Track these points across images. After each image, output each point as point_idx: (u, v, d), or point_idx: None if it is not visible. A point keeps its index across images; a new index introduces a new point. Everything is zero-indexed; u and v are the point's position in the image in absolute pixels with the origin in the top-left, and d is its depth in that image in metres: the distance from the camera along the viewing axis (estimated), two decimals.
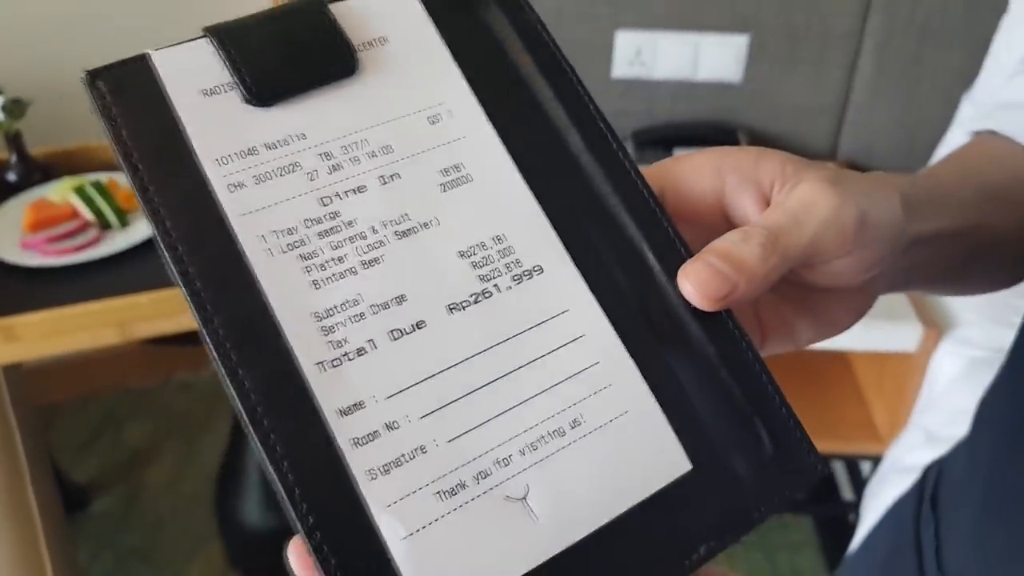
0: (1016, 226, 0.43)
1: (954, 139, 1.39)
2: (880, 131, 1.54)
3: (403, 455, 0.23)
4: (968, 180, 0.43)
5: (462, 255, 0.26)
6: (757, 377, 0.26)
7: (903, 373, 1.30)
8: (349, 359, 0.23)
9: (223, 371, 0.23)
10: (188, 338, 1.05)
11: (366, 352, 0.24)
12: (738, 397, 0.26)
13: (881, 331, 1.25)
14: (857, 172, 0.33)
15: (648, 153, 1.45)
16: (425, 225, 0.26)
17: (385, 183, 0.26)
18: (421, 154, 0.27)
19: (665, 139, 1.47)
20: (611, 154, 0.28)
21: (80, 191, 1.08)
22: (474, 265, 0.26)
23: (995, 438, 0.46)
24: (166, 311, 0.97)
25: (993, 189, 0.43)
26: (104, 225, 1.09)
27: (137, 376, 1.86)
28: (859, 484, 1.59)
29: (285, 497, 0.21)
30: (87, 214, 1.07)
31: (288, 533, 0.21)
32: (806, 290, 0.31)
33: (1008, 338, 1.33)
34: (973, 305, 1.26)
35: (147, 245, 1.09)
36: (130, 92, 0.25)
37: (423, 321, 0.24)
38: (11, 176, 1.18)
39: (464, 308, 0.25)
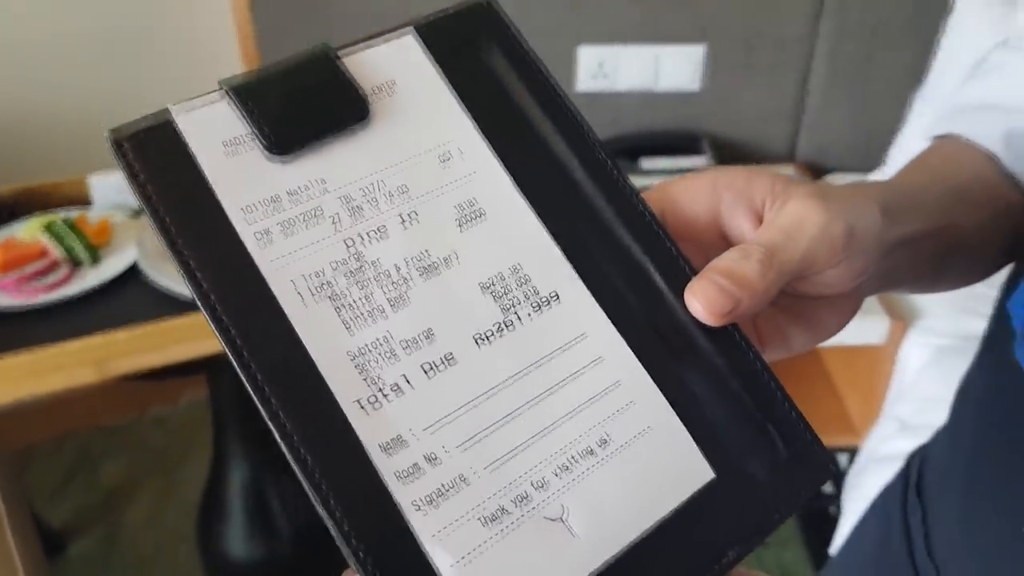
0: (981, 224, 0.45)
1: (910, 139, 1.44)
2: (836, 132, 1.59)
3: (445, 485, 0.24)
4: (935, 183, 0.45)
5: (483, 287, 0.27)
6: (766, 385, 0.28)
7: (873, 365, 1.34)
8: (386, 396, 0.24)
9: (264, 415, 0.23)
10: (160, 372, 1.04)
11: (401, 388, 0.24)
12: (750, 405, 0.27)
13: (850, 325, 1.28)
14: (838, 185, 0.34)
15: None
16: (446, 261, 0.27)
17: (404, 223, 0.27)
18: (436, 192, 0.28)
19: (631, 149, 1.50)
20: (612, 182, 0.29)
21: (49, 229, 1.07)
22: (495, 296, 0.27)
23: (975, 423, 0.48)
24: (145, 346, 0.96)
25: (958, 190, 0.45)
26: (75, 262, 1.07)
27: (110, 413, 1.83)
28: (838, 476, 1.62)
29: (338, 534, 0.22)
30: (57, 252, 1.06)
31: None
32: (799, 299, 0.32)
33: (970, 325, 1.38)
34: (936, 296, 1.30)
35: (120, 280, 1.08)
36: (154, 151, 0.25)
37: (452, 354, 0.25)
38: None
39: (489, 339, 0.26)
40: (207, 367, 1.19)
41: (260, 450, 1.35)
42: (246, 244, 0.25)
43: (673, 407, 0.27)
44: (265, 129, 0.26)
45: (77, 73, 1.45)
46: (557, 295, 0.27)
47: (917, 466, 0.57)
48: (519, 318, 0.27)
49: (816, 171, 1.59)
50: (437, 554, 0.23)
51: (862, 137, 1.58)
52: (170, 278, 1.06)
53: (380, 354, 0.25)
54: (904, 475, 0.58)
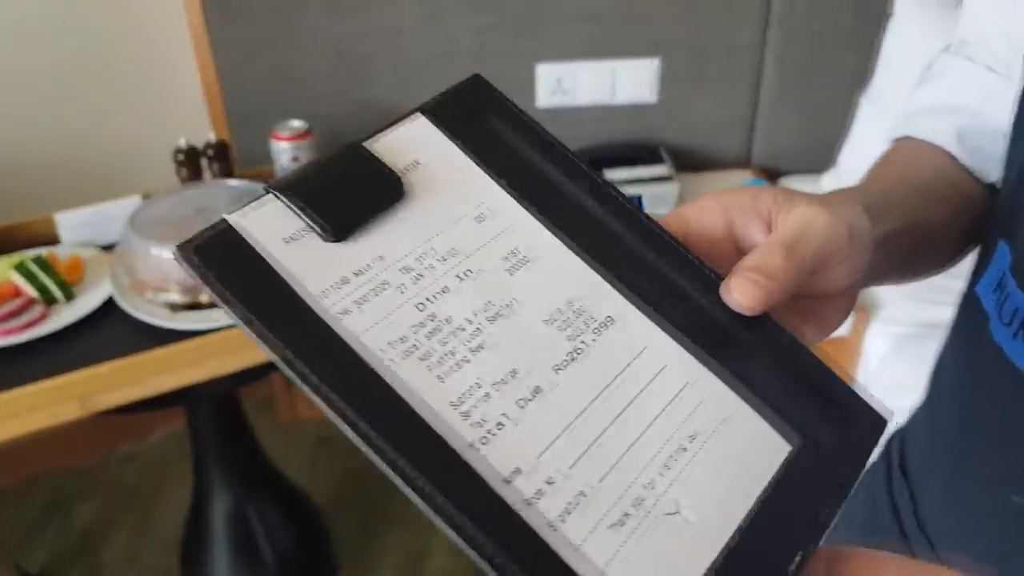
0: (945, 219, 0.49)
1: (861, 140, 1.50)
2: (788, 136, 1.64)
3: (570, 503, 0.26)
4: (901, 183, 0.49)
5: (547, 323, 0.29)
6: (807, 359, 0.31)
7: (839, 357, 1.39)
8: (493, 434, 0.26)
9: (392, 475, 0.25)
10: (136, 406, 1.03)
11: (504, 424, 0.26)
12: (799, 378, 0.30)
13: None
14: (830, 193, 0.38)
15: None
16: (508, 306, 0.29)
17: (462, 280, 0.29)
18: (481, 249, 0.30)
19: (593, 161, 1.53)
20: (627, 211, 0.33)
21: (21, 268, 1.06)
22: (559, 328, 0.29)
23: (956, 402, 0.51)
24: (128, 379, 0.96)
25: (923, 188, 0.49)
26: (49, 300, 1.06)
27: (79, 453, 1.79)
28: None
29: (491, 567, 0.24)
30: (30, 291, 1.05)
31: None
32: (807, 299, 0.36)
33: (929, 313, 1.45)
34: (894, 287, 1.36)
35: (96, 316, 1.07)
36: (224, 256, 0.27)
37: (539, 387, 0.28)
38: None
39: (567, 367, 0.28)
40: (185, 397, 1.18)
41: (242, 478, 1.34)
42: (331, 325, 0.27)
43: (738, 395, 0.29)
44: (319, 221, 0.28)
45: (38, 111, 1.44)
46: (611, 318, 0.30)
47: (898, 447, 0.60)
48: (585, 343, 0.29)
49: (771, 174, 1.64)
50: (583, 566, 0.25)
51: (813, 140, 1.64)
52: (146, 311, 1.06)
53: (477, 398, 0.27)
54: (886, 456, 0.61)
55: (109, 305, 1.09)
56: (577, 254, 0.31)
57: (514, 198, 0.32)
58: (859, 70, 1.52)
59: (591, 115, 1.57)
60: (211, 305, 1.07)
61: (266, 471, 1.40)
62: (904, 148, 0.55)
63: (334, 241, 0.28)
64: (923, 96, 0.57)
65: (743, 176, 1.60)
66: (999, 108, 0.49)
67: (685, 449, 0.28)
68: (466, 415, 0.26)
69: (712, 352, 0.30)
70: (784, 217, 0.34)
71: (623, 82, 1.54)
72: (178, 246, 0.27)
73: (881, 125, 1.61)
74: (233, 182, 1.23)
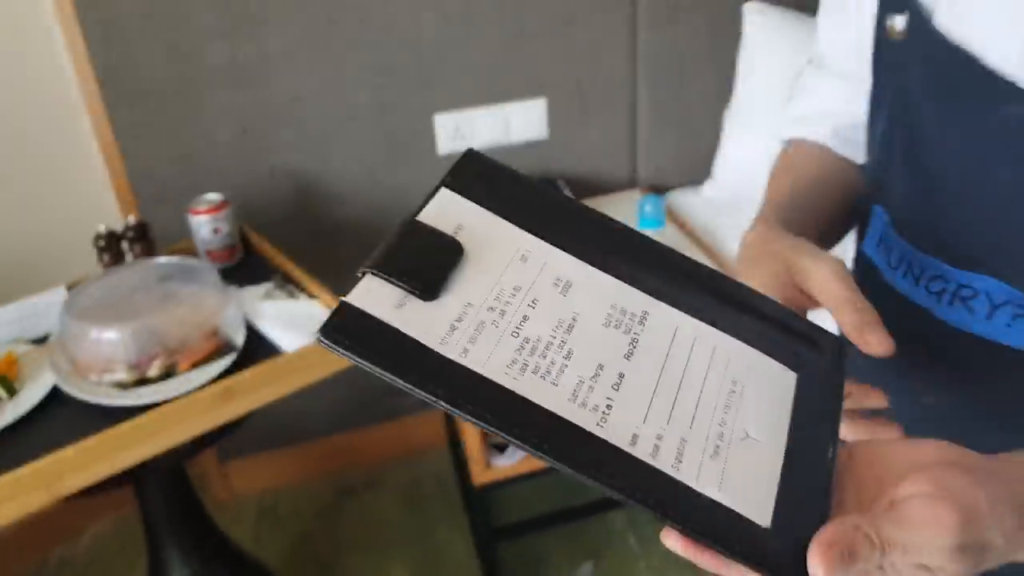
0: (837, 200, 0.64)
1: (731, 150, 1.67)
2: (666, 155, 1.81)
3: (679, 449, 0.35)
4: (802, 184, 0.63)
5: (605, 325, 0.39)
6: (785, 312, 0.44)
7: None
8: (606, 415, 0.35)
9: (554, 464, 0.33)
10: (80, 494, 1.01)
11: (612, 405, 0.36)
12: (780, 324, 0.43)
13: None
14: (797, 240, 0.51)
15: None
16: (574, 319, 0.38)
17: (533, 307, 0.38)
18: (536, 282, 0.39)
19: None
20: (615, 226, 0.43)
21: None
22: (615, 327, 0.39)
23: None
24: (95, 457, 0.96)
25: (819, 182, 0.64)
26: None
27: (9, 568, 1.71)
28: None
29: (651, 510, 0.33)
30: None
31: None
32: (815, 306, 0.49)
33: None
34: None
35: (41, 408, 1.07)
36: (355, 332, 0.34)
37: (622, 373, 0.37)
38: None
39: (632, 354, 0.38)
40: (134, 476, 1.17)
41: (198, 552, 1.33)
42: (459, 362, 0.35)
43: (751, 347, 0.41)
44: (417, 287, 0.36)
45: None
46: (647, 312, 0.40)
47: None
48: (637, 335, 0.39)
49: (657, 191, 1.79)
50: (707, 489, 0.35)
51: (689, 155, 1.80)
52: (95, 392, 1.07)
53: (585, 391, 0.36)
54: None
55: (53, 395, 1.09)
56: (601, 269, 0.41)
57: (539, 238, 0.41)
58: (721, 89, 1.70)
59: (490, 155, 1.67)
60: (161, 378, 1.09)
61: (221, 543, 1.40)
62: (794, 151, 0.68)
63: (430, 299, 0.36)
64: (798, 106, 0.71)
65: (634, 196, 1.74)
66: (858, 106, 0.63)
67: (733, 391, 0.39)
68: (583, 405, 0.35)
69: (717, 322, 0.41)
70: (813, 278, 0.47)
71: (516, 122, 1.66)
72: (320, 334, 0.34)
73: (746, 136, 1.82)
74: (161, 259, 1.25)
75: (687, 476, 0.35)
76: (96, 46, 1.42)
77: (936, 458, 0.37)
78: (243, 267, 1.36)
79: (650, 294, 0.40)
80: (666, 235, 1.58)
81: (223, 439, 1.18)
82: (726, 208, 1.63)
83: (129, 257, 1.34)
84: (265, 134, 1.56)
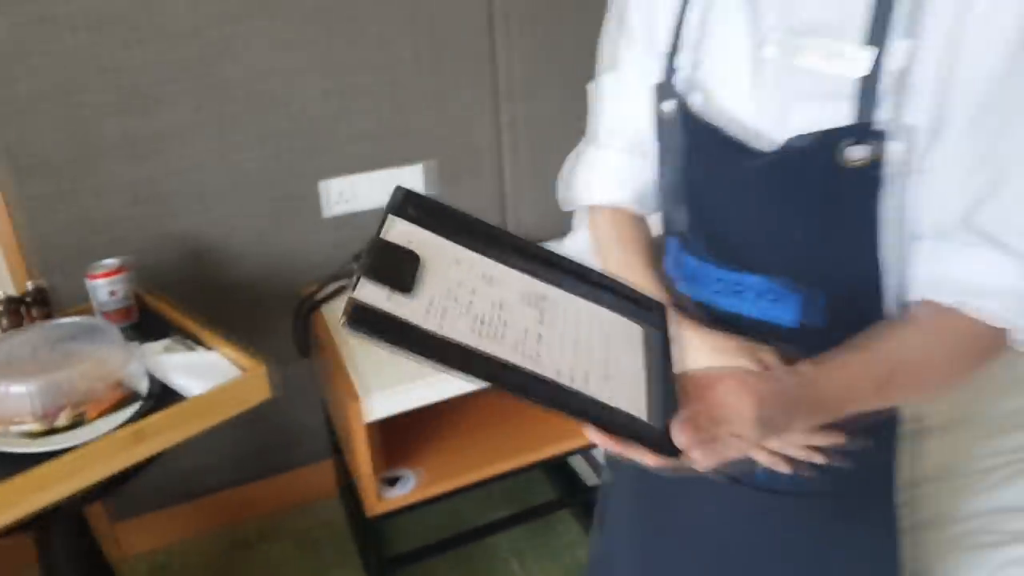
0: (651, 252, 0.85)
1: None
2: (533, 213, 2.02)
3: (585, 376, 0.53)
4: (628, 250, 0.84)
5: (522, 304, 0.56)
6: (617, 283, 0.61)
7: None
8: (537, 358, 0.52)
9: (511, 393, 0.49)
10: None
11: (539, 352, 0.53)
12: (625, 294, 0.61)
13: None
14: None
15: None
16: (501, 301, 0.54)
17: (473, 294, 0.54)
18: (470, 277, 0.55)
19: None
20: (518, 240, 0.60)
21: None
22: (529, 304, 0.56)
23: None
24: (9, 501, 1.03)
25: (636, 240, 0.85)
26: None
27: None
28: (567, 479, 1.99)
29: (581, 419, 0.51)
30: None
31: None
32: None
33: None
34: None
35: None
36: (368, 320, 0.48)
37: (540, 333, 0.54)
38: None
39: (542, 321, 0.55)
40: (39, 523, 1.21)
41: None
42: (438, 333, 0.50)
43: (611, 312, 0.59)
44: (398, 286, 0.51)
45: None
46: (545, 294, 0.57)
47: None
48: (542, 308, 0.56)
49: (522, 239, 2.00)
50: (607, 399, 0.52)
51: (551, 212, 2.01)
52: (4, 443, 1.13)
53: (520, 345, 0.52)
54: None
55: None
56: (509, 267, 0.58)
57: (468, 249, 0.57)
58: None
59: (375, 217, 1.82)
60: (71, 427, 1.16)
61: None
62: (609, 219, 0.89)
63: (408, 295, 0.51)
64: (589, 176, 0.93)
65: None
66: (641, 171, 0.85)
67: (607, 339, 0.57)
68: (523, 354, 0.52)
69: (587, 296, 0.59)
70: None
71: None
72: (347, 324, 0.48)
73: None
74: (62, 320, 1.33)
75: (595, 392, 0.52)
76: None
77: (738, 371, 0.60)
78: (142, 325, 1.45)
79: (545, 281, 0.58)
80: None
81: (122, 488, 1.25)
82: (586, 256, 1.85)
83: (26, 321, 1.40)
84: (160, 202, 1.66)
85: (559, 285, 0.59)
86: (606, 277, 0.62)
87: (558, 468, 2.02)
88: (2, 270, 1.61)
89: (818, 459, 0.70)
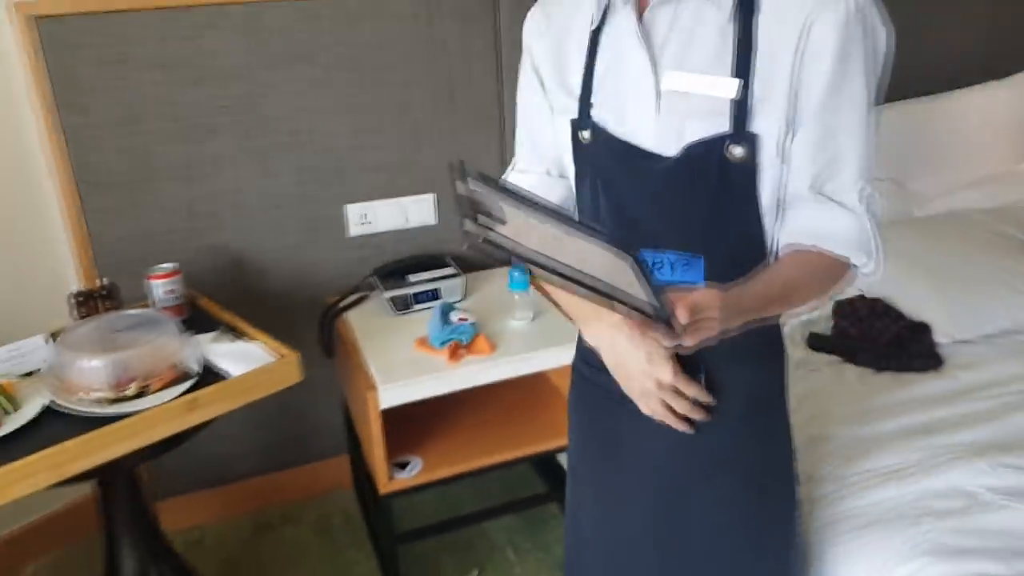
0: None
1: None
2: None
3: (596, 278, 0.75)
4: None
5: (558, 240, 0.75)
6: (604, 233, 0.79)
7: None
8: (583, 272, 0.74)
9: (569, 286, 0.74)
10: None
11: (583, 269, 0.74)
12: (612, 238, 0.79)
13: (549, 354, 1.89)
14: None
15: (389, 282, 2.01)
16: (552, 237, 0.74)
17: (529, 235, 0.73)
18: (527, 225, 0.73)
19: (398, 270, 2.04)
20: (559, 212, 0.77)
21: None
22: (562, 234, 0.74)
23: None
24: (95, 447, 1.27)
25: None
26: (5, 411, 1.35)
27: None
28: (554, 474, 2.16)
29: (619, 305, 0.77)
30: None
31: None
32: None
33: None
34: None
35: (37, 421, 1.36)
36: (482, 242, 0.70)
37: (581, 258, 0.74)
38: None
39: (574, 254, 0.75)
40: (103, 471, 1.41)
41: (146, 544, 1.60)
42: (524, 250, 0.72)
43: (610, 245, 0.75)
44: (495, 220, 0.71)
45: None
46: (560, 236, 0.75)
47: None
48: (563, 238, 0.73)
49: None
50: (632, 296, 0.77)
51: None
52: (84, 405, 1.37)
53: (573, 264, 0.74)
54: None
55: (46, 411, 1.38)
56: (545, 223, 0.74)
57: (512, 205, 0.73)
58: None
59: (391, 238, 2.10)
60: (134, 397, 1.41)
61: (163, 542, 1.67)
62: None
63: (503, 226, 0.71)
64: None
65: (505, 268, 2.18)
66: (566, 187, 1.10)
67: (613, 263, 0.75)
68: (579, 269, 0.74)
69: (588, 234, 0.76)
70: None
71: (411, 211, 2.10)
72: (468, 248, 0.70)
73: None
74: (128, 311, 1.59)
75: (623, 290, 0.75)
76: (73, 146, 1.78)
77: (700, 286, 0.86)
78: (191, 321, 1.70)
79: (565, 230, 0.73)
80: (531, 294, 2.00)
81: (174, 450, 1.49)
82: None
83: (100, 311, 1.66)
84: (208, 218, 1.94)
85: (573, 230, 0.74)
86: (598, 231, 0.75)
87: (546, 463, 2.24)
88: (73, 270, 1.88)
89: (700, 415, 0.99)
